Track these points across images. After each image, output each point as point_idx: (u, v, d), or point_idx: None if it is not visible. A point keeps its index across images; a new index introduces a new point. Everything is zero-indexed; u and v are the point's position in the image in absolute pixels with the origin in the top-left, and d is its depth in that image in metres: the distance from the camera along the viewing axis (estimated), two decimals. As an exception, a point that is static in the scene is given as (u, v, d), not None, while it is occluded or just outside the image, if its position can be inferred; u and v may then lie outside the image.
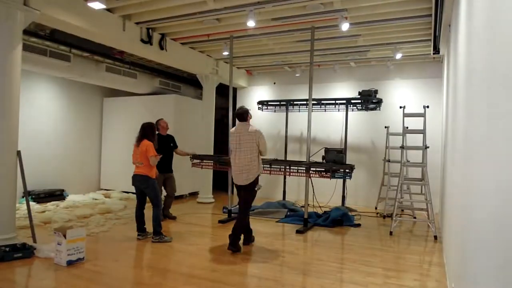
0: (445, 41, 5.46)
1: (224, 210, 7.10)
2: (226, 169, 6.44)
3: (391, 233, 5.67)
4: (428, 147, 6.17)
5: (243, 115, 4.80)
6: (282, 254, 4.58)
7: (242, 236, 4.79)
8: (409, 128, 7.36)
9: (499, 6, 1.40)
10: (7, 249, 4.00)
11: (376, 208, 7.72)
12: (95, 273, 3.71)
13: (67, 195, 8.05)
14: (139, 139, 5.01)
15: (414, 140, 7.64)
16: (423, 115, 6.29)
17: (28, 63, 6.27)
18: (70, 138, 8.61)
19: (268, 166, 5.92)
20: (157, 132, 5.54)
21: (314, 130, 7.10)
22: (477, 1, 2.05)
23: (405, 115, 6.41)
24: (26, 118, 7.16)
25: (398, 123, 7.78)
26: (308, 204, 6.03)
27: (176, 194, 8.59)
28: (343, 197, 7.62)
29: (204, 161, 6.53)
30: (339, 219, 6.25)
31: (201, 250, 4.66)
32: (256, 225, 5.91)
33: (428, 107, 6.51)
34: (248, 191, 4.70)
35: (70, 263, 3.87)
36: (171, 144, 6.44)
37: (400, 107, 6.85)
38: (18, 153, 4.42)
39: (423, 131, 6.16)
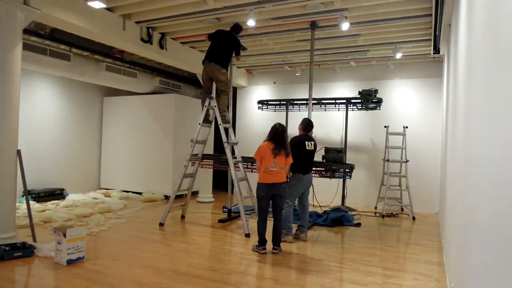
0: (445, 40, 5.46)
1: (224, 209, 7.10)
2: (226, 169, 6.43)
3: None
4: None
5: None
6: (281, 253, 4.58)
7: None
8: (407, 127, 7.43)
9: (500, 6, 1.40)
10: (7, 248, 4.00)
11: (376, 208, 7.72)
12: (95, 272, 3.71)
13: (67, 194, 8.05)
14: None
15: (414, 139, 7.66)
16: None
17: (28, 62, 6.27)
18: (70, 137, 8.61)
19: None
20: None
21: (314, 129, 7.07)
22: (477, 0, 2.05)
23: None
24: (26, 117, 7.16)
25: (398, 122, 7.80)
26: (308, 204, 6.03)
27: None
28: (343, 197, 7.62)
29: (204, 160, 6.52)
30: (339, 218, 6.26)
31: (201, 249, 4.67)
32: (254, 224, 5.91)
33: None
34: None
35: (70, 262, 3.87)
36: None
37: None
38: (18, 152, 4.41)
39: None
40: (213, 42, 5.87)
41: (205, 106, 5.90)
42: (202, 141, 6.28)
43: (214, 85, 6.05)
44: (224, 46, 5.81)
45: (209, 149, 8.27)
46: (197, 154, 6.24)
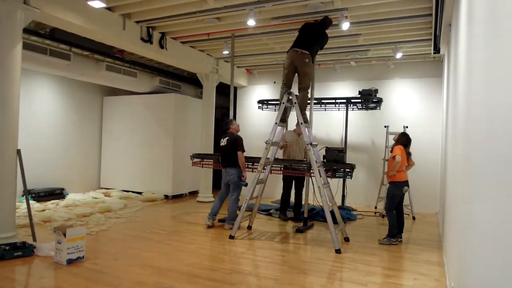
0: (445, 40, 5.46)
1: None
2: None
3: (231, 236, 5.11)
4: None
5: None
6: (282, 253, 4.59)
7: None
8: (408, 127, 7.43)
9: (499, 6, 1.40)
10: (7, 247, 4.00)
11: (376, 208, 7.72)
12: (95, 272, 3.71)
13: (67, 194, 8.05)
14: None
15: (414, 139, 7.64)
16: None
17: (28, 62, 6.27)
18: (70, 137, 8.61)
19: (269, 165, 5.91)
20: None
21: (314, 129, 7.12)
22: (477, 0, 2.05)
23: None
24: (26, 117, 7.16)
25: (398, 122, 7.80)
26: (309, 204, 6.05)
27: (176, 193, 8.66)
28: (343, 197, 7.63)
29: (204, 160, 6.52)
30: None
31: (201, 249, 4.67)
32: (256, 224, 5.92)
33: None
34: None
35: (70, 261, 3.87)
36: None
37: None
38: (18, 151, 4.41)
39: None
40: (301, 32, 5.43)
41: (283, 103, 5.30)
42: (277, 143, 5.62)
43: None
44: (314, 36, 5.33)
45: (209, 149, 8.27)
46: (268, 158, 5.44)
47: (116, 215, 6.42)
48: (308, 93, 5.41)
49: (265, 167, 5.52)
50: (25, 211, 5.39)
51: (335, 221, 6.07)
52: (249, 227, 5.73)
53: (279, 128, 5.45)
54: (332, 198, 5.30)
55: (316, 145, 5.31)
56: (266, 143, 5.28)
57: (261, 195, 5.75)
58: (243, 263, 4.19)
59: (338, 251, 4.60)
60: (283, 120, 5.50)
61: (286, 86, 5.42)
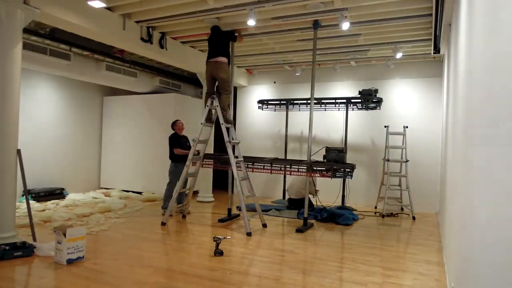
0: (445, 40, 5.46)
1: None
2: (227, 168, 6.43)
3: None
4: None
5: None
6: (282, 253, 4.59)
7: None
8: (407, 127, 7.44)
9: (500, 6, 1.40)
10: (7, 247, 4.00)
11: (376, 208, 7.72)
12: (95, 272, 3.71)
13: (67, 194, 8.06)
14: None
15: (414, 139, 7.65)
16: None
17: (28, 62, 6.28)
18: (70, 137, 8.61)
19: (269, 165, 5.93)
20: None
21: (314, 129, 7.13)
22: (477, 0, 2.04)
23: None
24: (26, 117, 7.17)
25: (398, 122, 7.81)
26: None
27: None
28: (343, 197, 7.63)
29: (204, 160, 6.52)
30: (333, 214, 6.41)
31: (201, 249, 4.67)
32: (256, 223, 5.91)
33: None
34: None
35: (70, 261, 3.88)
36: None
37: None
38: (18, 151, 4.41)
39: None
40: (211, 41, 6.03)
41: (207, 105, 5.97)
42: (204, 141, 6.35)
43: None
44: (218, 39, 5.95)
45: (209, 149, 8.27)
46: (198, 154, 6.34)
47: (116, 215, 6.43)
48: (228, 96, 5.99)
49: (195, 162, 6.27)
50: (25, 211, 5.39)
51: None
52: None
53: (205, 127, 6.11)
54: (251, 190, 5.91)
55: (238, 142, 6.04)
56: (193, 140, 6.01)
57: (193, 187, 6.46)
58: (243, 263, 4.19)
59: (249, 234, 5.20)
60: (209, 120, 6.13)
61: (209, 93, 6.01)
